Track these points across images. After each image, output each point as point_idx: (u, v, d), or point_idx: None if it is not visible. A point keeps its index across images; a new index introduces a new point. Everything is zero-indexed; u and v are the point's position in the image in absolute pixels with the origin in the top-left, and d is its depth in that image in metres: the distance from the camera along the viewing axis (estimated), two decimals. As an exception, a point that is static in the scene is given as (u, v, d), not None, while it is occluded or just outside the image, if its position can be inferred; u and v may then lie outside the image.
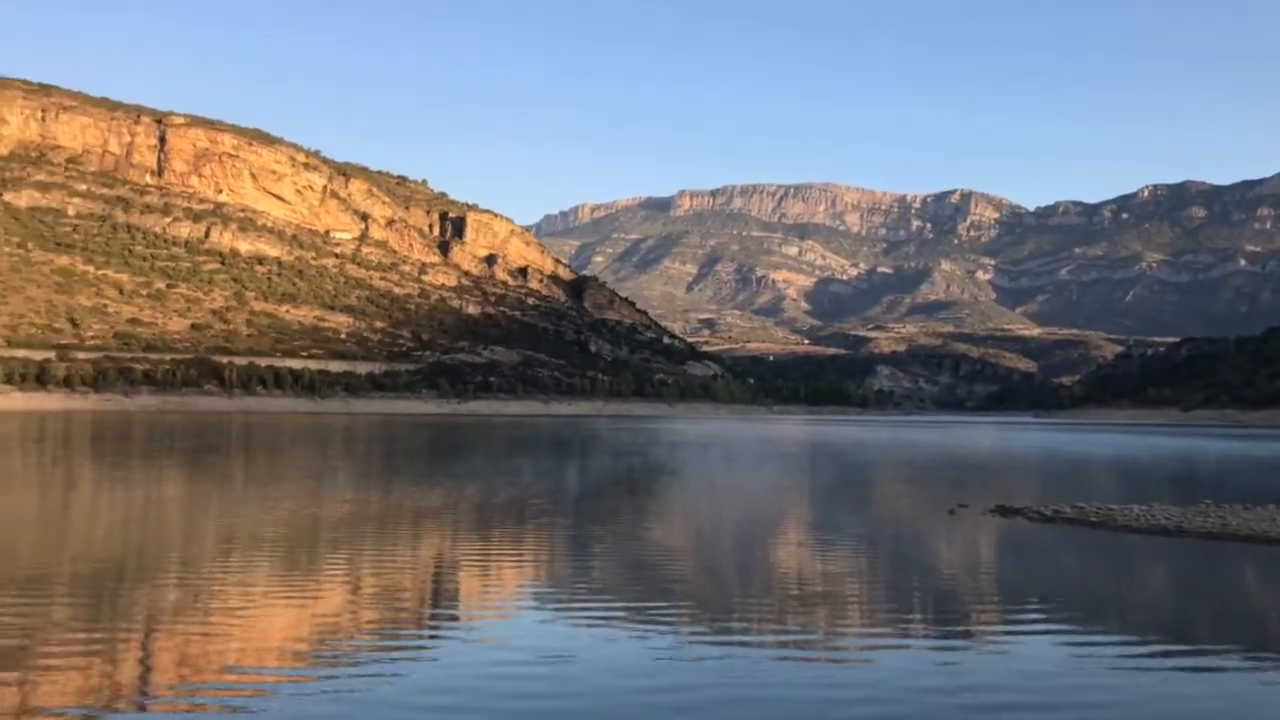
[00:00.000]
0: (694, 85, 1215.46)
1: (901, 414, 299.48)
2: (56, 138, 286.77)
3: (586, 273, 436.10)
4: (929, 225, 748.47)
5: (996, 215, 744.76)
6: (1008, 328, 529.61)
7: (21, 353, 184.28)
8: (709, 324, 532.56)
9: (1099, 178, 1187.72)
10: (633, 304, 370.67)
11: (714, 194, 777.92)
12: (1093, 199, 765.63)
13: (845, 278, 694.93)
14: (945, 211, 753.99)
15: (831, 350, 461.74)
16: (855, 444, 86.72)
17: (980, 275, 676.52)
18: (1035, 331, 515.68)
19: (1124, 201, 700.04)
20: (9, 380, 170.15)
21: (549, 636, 14.50)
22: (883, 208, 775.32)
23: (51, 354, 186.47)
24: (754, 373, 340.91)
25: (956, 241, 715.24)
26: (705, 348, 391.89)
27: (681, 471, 50.92)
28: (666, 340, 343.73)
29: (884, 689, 12.27)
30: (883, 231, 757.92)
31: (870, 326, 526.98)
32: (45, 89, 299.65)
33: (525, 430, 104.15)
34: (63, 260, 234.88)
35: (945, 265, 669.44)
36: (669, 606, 16.75)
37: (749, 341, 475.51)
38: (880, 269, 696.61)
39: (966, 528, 27.39)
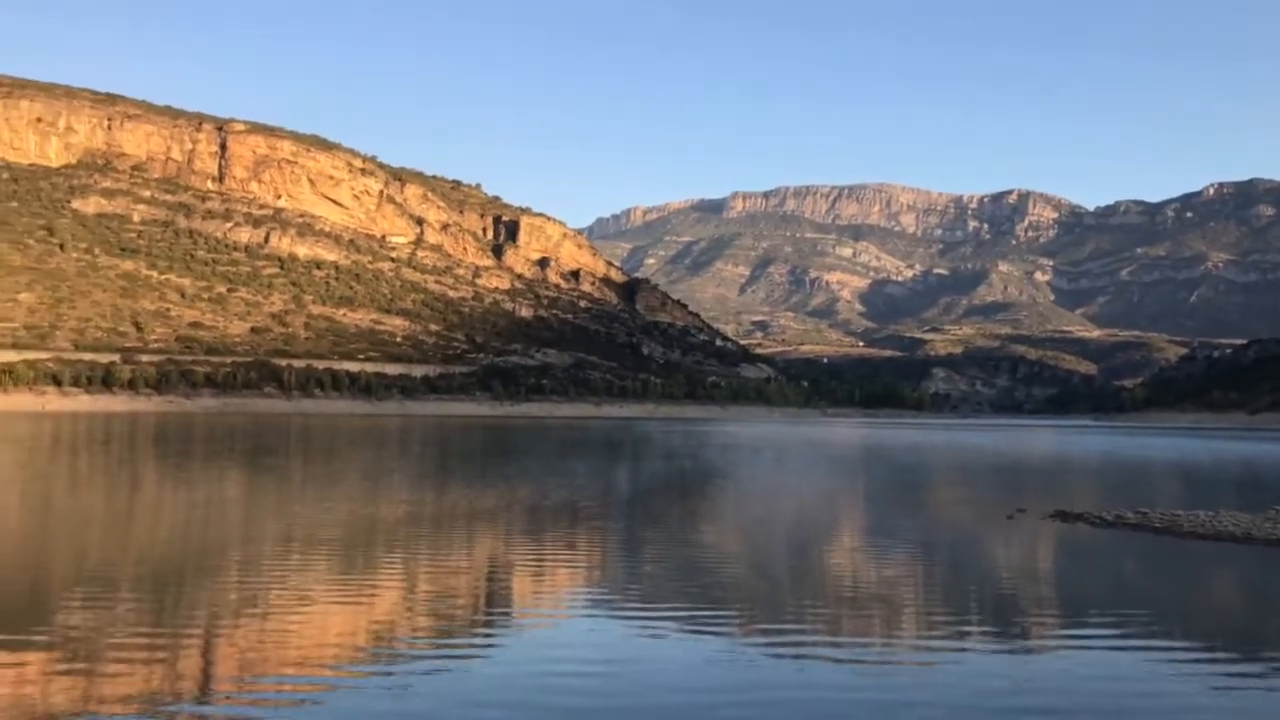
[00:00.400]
0: (747, 88, 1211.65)
1: (958, 417, 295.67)
2: (122, 146, 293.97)
3: (638, 275, 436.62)
4: (986, 226, 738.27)
5: (1055, 215, 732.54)
6: (1067, 329, 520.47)
7: (88, 356, 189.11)
8: (762, 326, 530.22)
9: (1161, 176, 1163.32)
10: (685, 306, 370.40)
11: (767, 195, 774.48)
12: (1155, 198, 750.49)
13: (900, 279, 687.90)
14: (1003, 212, 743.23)
15: (887, 352, 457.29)
16: (910, 447, 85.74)
17: (1039, 276, 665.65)
18: (1095, 333, 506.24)
19: (1188, 200, 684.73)
20: (76, 383, 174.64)
21: (602, 641, 14.50)
22: (938, 208, 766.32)
23: (117, 357, 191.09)
24: (808, 375, 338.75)
25: (1014, 242, 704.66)
26: (758, 350, 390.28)
27: (733, 474, 50.72)
28: (719, 343, 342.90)
29: (942, 699, 12.08)
30: (939, 232, 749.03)
31: (926, 328, 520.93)
32: (111, 98, 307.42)
33: (577, 432, 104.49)
34: (127, 265, 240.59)
35: (1003, 266, 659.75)
36: (722, 611, 16.67)
37: (803, 344, 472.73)
38: (936, 270, 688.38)
39: (1025, 533, 26.93)
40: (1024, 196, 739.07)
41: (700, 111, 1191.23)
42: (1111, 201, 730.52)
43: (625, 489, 41.45)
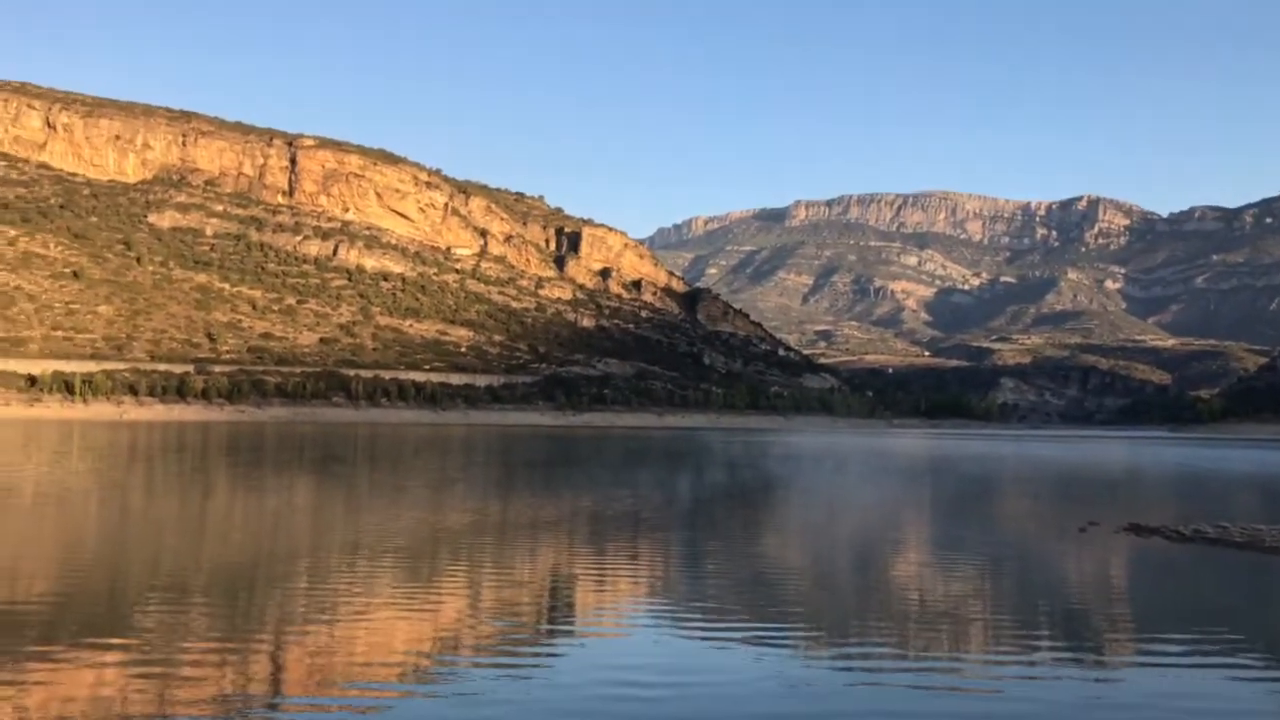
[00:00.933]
0: (809, 97, 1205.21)
1: (1026, 428, 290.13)
2: (195, 161, 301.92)
3: (700, 285, 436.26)
4: (1054, 233, 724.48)
5: (1127, 222, 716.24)
6: (1139, 338, 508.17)
7: (164, 366, 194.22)
8: (825, 336, 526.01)
9: (1238, 181, 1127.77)
10: (747, 316, 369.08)
11: (830, 203, 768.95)
12: (1232, 203, 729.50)
13: (967, 288, 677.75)
14: (1072, 219, 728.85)
15: (953, 362, 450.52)
16: (978, 458, 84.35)
17: (1109, 284, 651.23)
18: (1169, 342, 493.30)
19: (1268, 205, 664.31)
20: (152, 392, 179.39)
21: (667, 654, 14.41)
22: (1005, 215, 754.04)
23: (190, 367, 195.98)
24: (872, 385, 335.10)
25: (1084, 249, 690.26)
26: (822, 360, 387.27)
27: (797, 485, 50.34)
28: (782, 352, 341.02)
29: (1014, 719, 11.81)
30: (1005, 240, 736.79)
31: (993, 338, 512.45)
32: (186, 115, 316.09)
33: (639, 442, 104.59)
34: (201, 278, 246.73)
35: (1072, 274, 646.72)
36: (786, 625, 16.51)
37: (867, 353, 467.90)
38: (1003, 279, 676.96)
39: (1097, 547, 26.29)
40: (1094, 203, 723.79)
41: (762, 121, 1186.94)
42: (1186, 207, 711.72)
43: (687, 499, 41.34)
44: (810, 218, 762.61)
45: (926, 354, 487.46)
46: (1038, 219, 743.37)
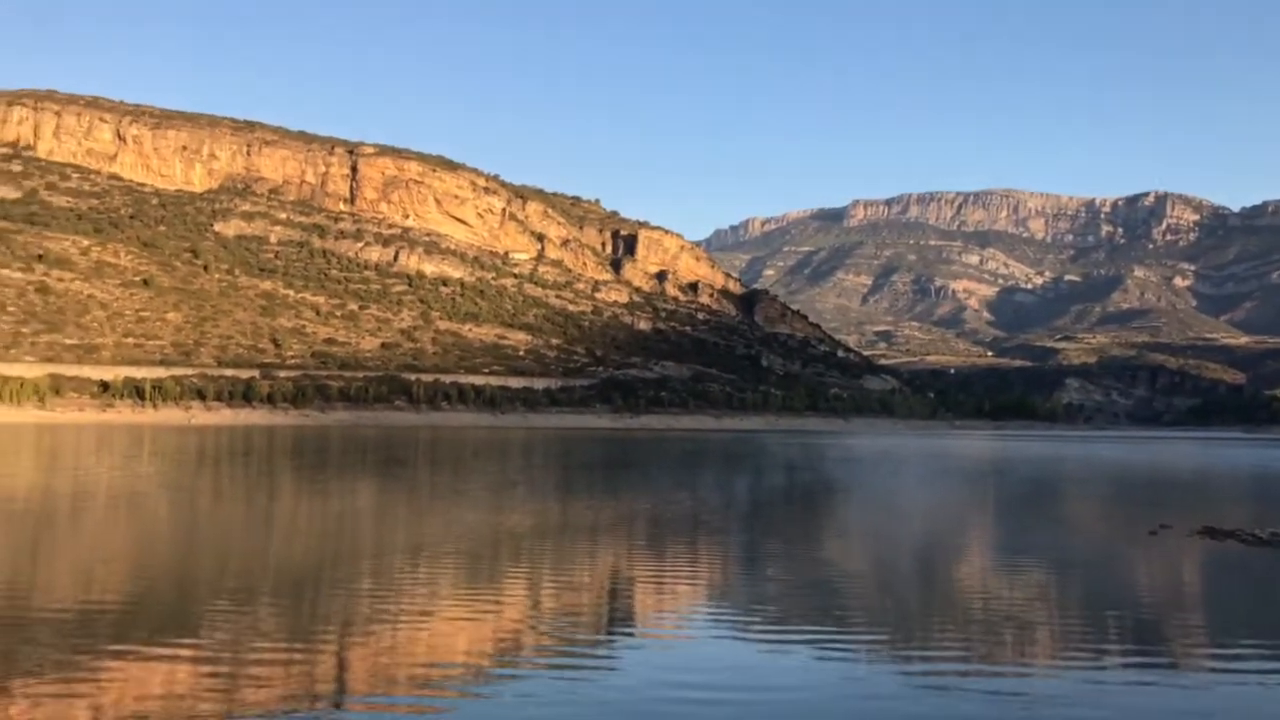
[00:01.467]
0: (866, 95, 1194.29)
1: (1093, 429, 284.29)
2: (260, 170, 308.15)
3: (757, 286, 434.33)
4: (1120, 230, 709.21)
5: (1196, 217, 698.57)
6: (1210, 336, 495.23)
7: (230, 371, 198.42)
8: (885, 336, 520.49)
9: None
10: (805, 317, 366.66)
11: (889, 203, 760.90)
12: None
13: (1030, 286, 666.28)
14: (1138, 215, 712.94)
15: (1016, 362, 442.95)
16: (1043, 460, 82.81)
17: (1178, 281, 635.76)
18: (1243, 340, 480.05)
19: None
20: (219, 397, 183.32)
21: (726, 659, 14.33)
22: (1069, 213, 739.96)
23: (256, 372, 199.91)
24: (934, 386, 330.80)
25: (1151, 246, 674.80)
26: (882, 361, 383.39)
27: (857, 488, 49.84)
28: (841, 353, 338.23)
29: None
30: (1070, 238, 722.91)
31: (1058, 337, 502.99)
32: (250, 125, 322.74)
33: (696, 444, 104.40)
34: (266, 285, 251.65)
35: (1139, 272, 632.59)
36: (849, 631, 16.33)
37: (928, 354, 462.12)
38: (1068, 277, 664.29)
39: (1170, 550, 25.64)
40: (1161, 198, 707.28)
41: (820, 120, 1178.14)
42: (1259, 201, 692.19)
43: (746, 502, 41.14)
44: (869, 217, 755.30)
45: (989, 354, 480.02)
46: (1103, 216, 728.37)
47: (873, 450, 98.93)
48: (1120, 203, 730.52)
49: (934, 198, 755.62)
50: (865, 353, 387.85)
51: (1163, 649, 15.33)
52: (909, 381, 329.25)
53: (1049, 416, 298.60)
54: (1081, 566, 23.70)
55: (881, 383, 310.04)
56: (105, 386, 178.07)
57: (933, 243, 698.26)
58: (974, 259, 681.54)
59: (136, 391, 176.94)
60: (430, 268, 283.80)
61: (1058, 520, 36.07)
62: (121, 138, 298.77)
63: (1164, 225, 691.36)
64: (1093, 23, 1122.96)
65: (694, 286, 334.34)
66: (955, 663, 14.14)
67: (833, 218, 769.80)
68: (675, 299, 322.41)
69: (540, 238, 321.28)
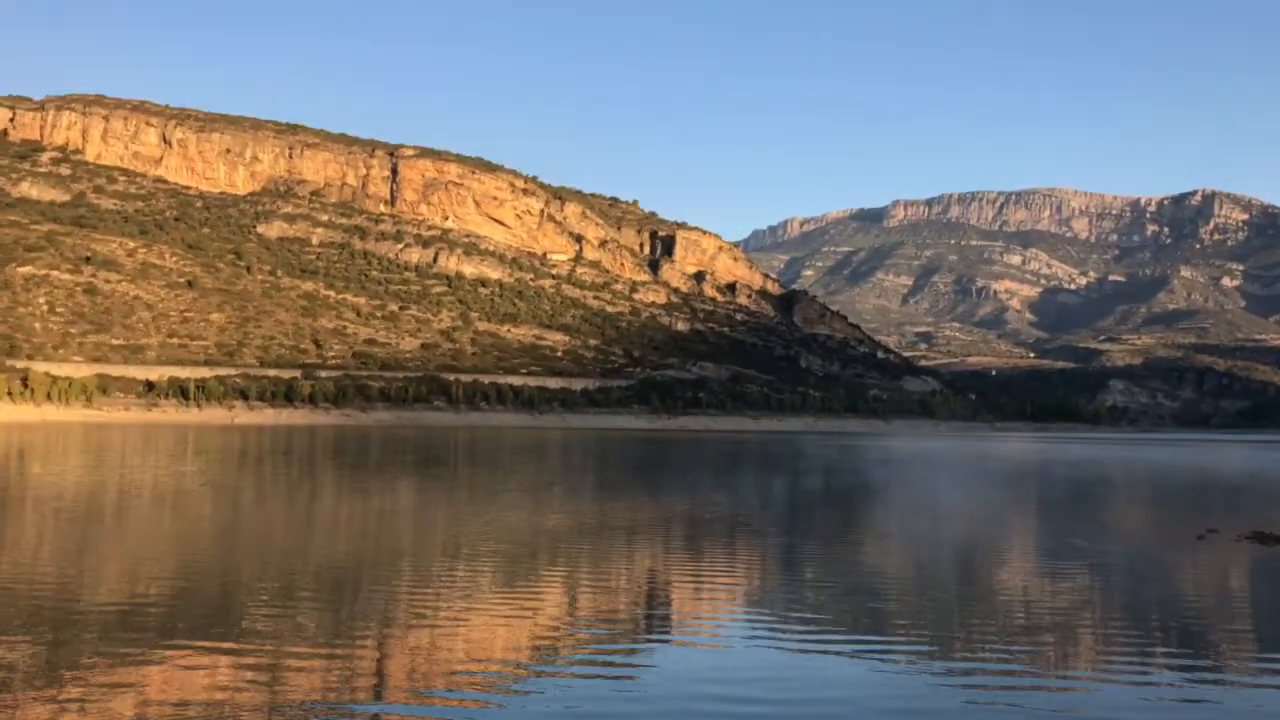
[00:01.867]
0: (906, 95, 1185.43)
1: (1137, 431, 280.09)
2: (301, 173, 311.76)
3: (796, 287, 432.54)
4: (1166, 229, 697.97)
5: (1245, 216, 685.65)
6: (1260, 338, 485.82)
7: (272, 371, 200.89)
8: (926, 338, 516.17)
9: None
10: (844, 318, 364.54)
11: (930, 203, 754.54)
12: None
13: (1073, 287, 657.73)
14: (1185, 214, 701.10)
15: (1059, 364, 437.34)
16: (1087, 463, 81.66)
17: (1226, 282, 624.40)
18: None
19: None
20: (261, 397, 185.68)
21: (764, 664, 14.24)
22: (1113, 212, 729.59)
23: (298, 373, 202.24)
24: (975, 388, 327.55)
25: (1198, 246, 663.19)
26: (922, 362, 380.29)
27: (897, 490, 49.46)
28: (880, 354, 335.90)
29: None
30: (1114, 238, 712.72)
31: (1101, 338, 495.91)
32: (292, 128, 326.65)
33: (734, 445, 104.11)
34: (307, 286, 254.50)
35: (1185, 272, 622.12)
36: (888, 637, 16.20)
37: (969, 355, 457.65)
38: (1112, 277, 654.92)
39: (1216, 556, 25.18)
40: (1209, 197, 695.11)
41: (859, 121, 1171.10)
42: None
43: (784, 503, 40.97)
44: (909, 217, 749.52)
45: (1031, 355, 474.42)
46: (1148, 215, 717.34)
47: (912, 452, 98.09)
48: (1166, 201, 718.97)
49: (975, 197, 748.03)
50: (905, 354, 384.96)
51: (1211, 658, 15.05)
52: (950, 383, 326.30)
53: (1092, 419, 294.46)
54: (1126, 572, 23.33)
55: (922, 384, 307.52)
56: (151, 386, 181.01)
57: (974, 243, 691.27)
58: (1016, 259, 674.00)
59: (181, 391, 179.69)
60: (469, 269, 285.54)
61: (1101, 524, 35.55)
62: (167, 141, 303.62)
63: (1211, 224, 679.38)
64: (1137, 18, 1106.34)
65: (732, 287, 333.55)
66: (998, 675, 13.89)
67: (872, 218, 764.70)
68: (713, 300, 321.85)
69: (578, 238, 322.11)
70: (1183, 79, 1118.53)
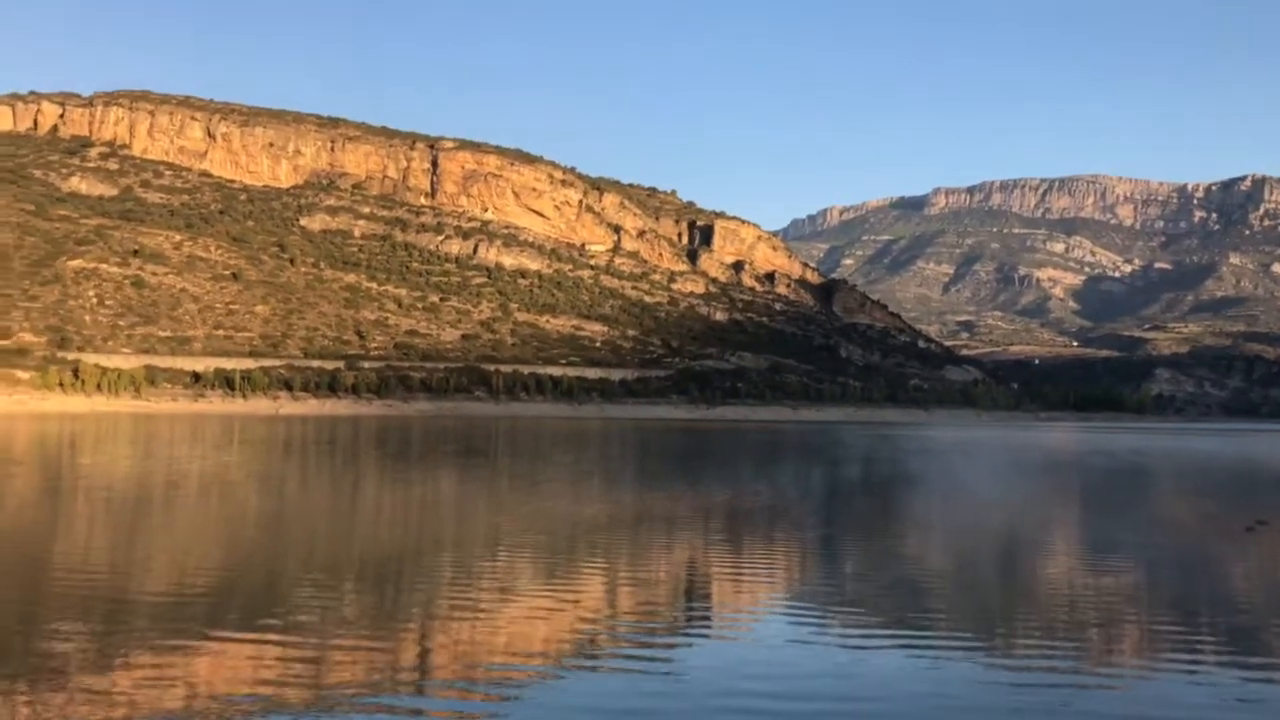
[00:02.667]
0: (946, 80, 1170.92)
1: (1184, 421, 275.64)
2: (343, 165, 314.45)
3: (835, 276, 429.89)
4: (1214, 216, 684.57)
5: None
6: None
7: (316, 363, 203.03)
8: (967, 326, 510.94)
9: None
10: (885, 307, 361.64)
11: (971, 190, 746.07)
12: None
13: (1118, 275, 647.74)
14: (1234, 200, 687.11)
15: (1103, 353, 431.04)
16: (1132, 453, 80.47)
17: (1277, 268, 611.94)
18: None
19: None
20: (305, 388, 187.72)
21: (803, 660, 14.10)
22: (1159, 199, 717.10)
23: (341, 364, 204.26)
24: (1018, 377, 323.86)
25: (1248, 232, 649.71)
26: (964, 351, 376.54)
27: (938, 480, 49.01)
28: (921, 344, 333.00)
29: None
30: (1160, 224, 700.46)
31: (1147, 327, 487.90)
32: (334, 121, 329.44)
33: (774, 435, 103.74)
34: (350, 278, 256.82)
35: (1234, 259, 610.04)
36: (931, 633, 16.03)
37: (1011, 344, 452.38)
38: (1157, 264, 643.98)
39: (1266, 547, 24.69)
40: (1259, 182, 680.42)
41: (899, 107, 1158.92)
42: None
43: (824, 494, 40.74)
44: (950, 205, 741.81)
45: (1075, 344, 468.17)
46: (1195, 201, 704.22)
47: (954, 442, 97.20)
48: (1214, 187, 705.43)
49: (1017, 185, 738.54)
50: (947, 343, 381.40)
51: (1264, 654, 14.74)
52: (992, 372, 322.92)
53: (1138, 408, 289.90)
54: (1174, 565, 22.92)
55: (963, 374, 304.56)
56: (197, 377, 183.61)
57: (1016, 231, 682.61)
58: (1059, 247, 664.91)
59: (227, 382, 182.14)
60: (509, 260, 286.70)
61: (1148, 516, 34.99)
62: (211, 135, 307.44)
63: (1261, 210, 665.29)
64: (1184, 1, 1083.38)
65: (771, 277, 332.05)
66: (1044, 672, 13.66)
67: (913, 206, 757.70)
68: (752, 289, 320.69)
69: (616, 229, 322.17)
70: (1231, 62, 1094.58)
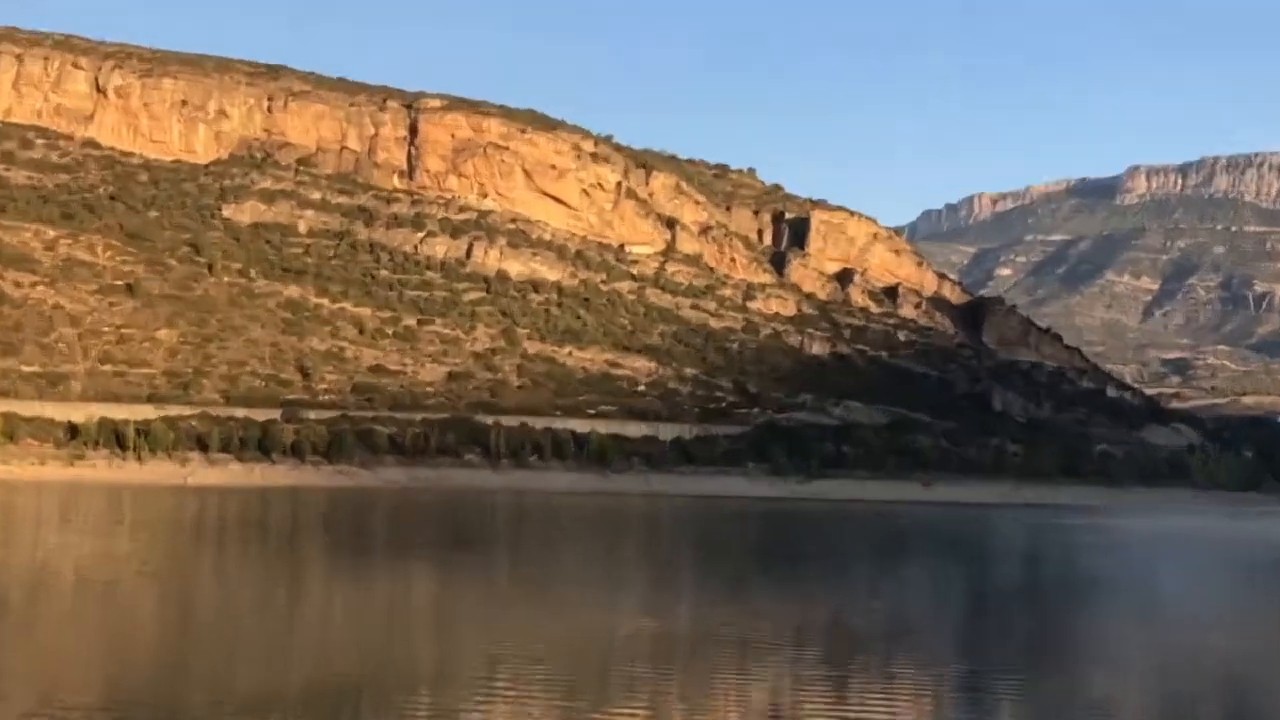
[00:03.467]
0: (1150, 29, 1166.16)
1: None
2: (284, 132, 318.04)
3: (986, 293, 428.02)
4: None
5: None
6: None
7: (241, 412, 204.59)
8: (1179, 367, 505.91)
9: None
10: (1058, 338, 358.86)
11: (1183, 171, 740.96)
12: None
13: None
14: None
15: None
16: None
17: None
18: None
19: None
20: (226, 447, 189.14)
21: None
22: None
23: (277, 413, 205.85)
24: (1254, 440, 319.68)
25: None
26: (1174, 404, 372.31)
27: (1132, 592, 48.40)
28: (1112, 392, 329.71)
29: None
30: None
31: None
32: (272, 71, 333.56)
33: (896, 524, 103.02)
34: (291, 290, 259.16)
35: None
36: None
37: (1245, 393, 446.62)
38: None
39: None
40: None
41: (1075, 57, 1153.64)
42: None
43: (968, 615, 40.38)
44: (1154, 191, 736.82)
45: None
46: None
47: (1157, 536, 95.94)
48: None
49: (1251, 162, 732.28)
50: (1148, 391, 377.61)
51: None
52: (1215, 434, 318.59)
53: None
54: None
55: (1173, 436, 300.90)
56: (74, 431, 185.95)
57: (1250, 229, 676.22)
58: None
59: (115, 438, 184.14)
60: (516, 266, 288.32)
61: None
62: (100, 90, 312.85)
63: None
64: None
65: (892, 292, 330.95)
66: None
67: (1099, 192, 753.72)
68: (865, 311, 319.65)
69: (670, 223, 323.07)
70: None
